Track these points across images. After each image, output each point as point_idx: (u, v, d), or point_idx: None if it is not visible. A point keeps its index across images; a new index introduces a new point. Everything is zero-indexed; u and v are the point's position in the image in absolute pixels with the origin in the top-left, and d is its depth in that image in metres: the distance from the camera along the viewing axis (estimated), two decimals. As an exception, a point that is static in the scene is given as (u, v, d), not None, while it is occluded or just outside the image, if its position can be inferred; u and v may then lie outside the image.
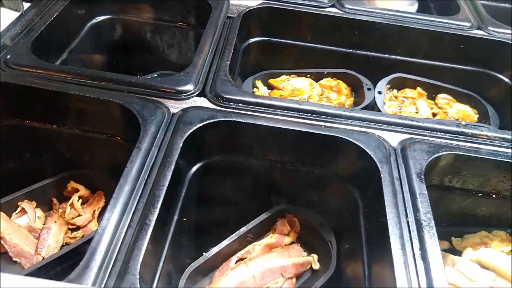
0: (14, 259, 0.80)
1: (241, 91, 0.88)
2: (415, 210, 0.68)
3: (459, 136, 0.83)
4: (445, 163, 0.79)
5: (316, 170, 0.86)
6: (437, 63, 1.19)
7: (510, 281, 0.82)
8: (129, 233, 0.62)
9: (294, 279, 0.86)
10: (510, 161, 0.79)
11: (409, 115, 1.12)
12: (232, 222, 0.86)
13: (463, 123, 1.02)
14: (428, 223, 0.66)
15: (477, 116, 1.15)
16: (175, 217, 0.75)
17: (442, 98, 1.18)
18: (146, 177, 0.69)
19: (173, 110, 0.82)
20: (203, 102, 0.85)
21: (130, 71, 1.21)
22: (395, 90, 1.19)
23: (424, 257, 0.62)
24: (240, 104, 0.84)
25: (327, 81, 1.19)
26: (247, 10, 1.12)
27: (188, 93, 0.85)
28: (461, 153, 0.78)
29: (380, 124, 0.83)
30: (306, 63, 1.21)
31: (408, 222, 0.67)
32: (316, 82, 1.20)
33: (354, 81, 1.17)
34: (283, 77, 1.21)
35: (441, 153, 0.77)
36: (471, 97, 1.18)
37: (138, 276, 0.57)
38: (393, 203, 0.69)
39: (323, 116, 0.84)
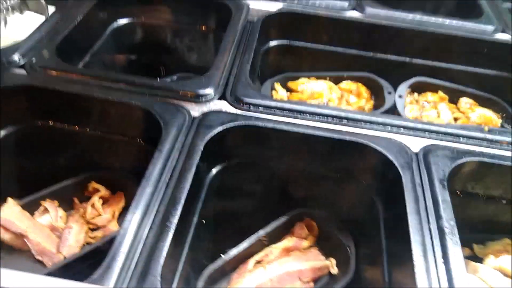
0: (36, 257, 0.82)
1: (262, 95, 0.88)
2: (438, 217, 0.67)
3: (483, 142, 0.82)
4: (469, 169, 0.78)
5: (336, 174, 0.85)
6: (459, 66, 1.17)
7: (534, 291, 0.80)
8: (150, 235, 0.62)
9: (311, 283, 0.85)
10: (535, 168, 0.77)
11: (431, 119, 1.11)
12: (250, 225, 0.86)
13: (486, 128, 1.01)
14: (451, 230, 0.65)
15: (500, 121, 1.13)
16: (195, 219, 0.76)
17: (464, 102, 1.16)
18: (167, 180, 0.69)
19: (194, 114, 0.83)
20: (223, 105, 0.86)
21: (151, 73, 1.24)
22: (416, 94, 1.17)
23: (447, 265, 0.61)
24: (260, 108, 0.84)
25: (346, 84, 1.18)
26: (267, 15, 1.12)
27: (209, 97, 0.86)
28: (485, 159, 0.77)
29: (402, 129, 0.83)
30: (325, 66, 1.21)
31: (430, 229, 0.66)
32: (336, 85, 1.19)
33: (374, 84, 1.16)
34: (302, 79, 1.21)
35: (464, 160, 0.76)
36: (494, 102, 1.16)
37: (159, 278, 0.57)
38: (415, 210, 0.68)
39: (344, 121, 0.83)
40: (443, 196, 0.70)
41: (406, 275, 0.63)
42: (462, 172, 0.78)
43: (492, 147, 0.82)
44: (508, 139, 0.83)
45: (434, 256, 0.63)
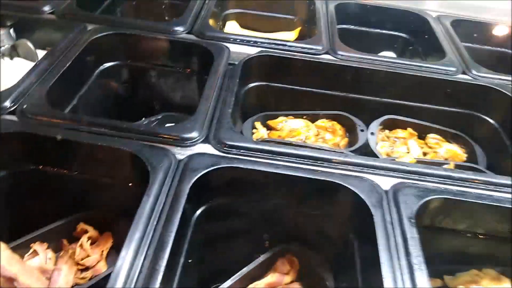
0: (26, 301, 0.84)
1: (243, 138, 0.94)
2: (407, 253, 0.73)
3: (447, 180, 0.89)
4: (435, 206, 0.84)
5: (314, 212, 0.91)
6: (426, 105, 1.26)
7: (499, 318, 0.86)
8: (140, 278, 0.66)
9: (294, 318, 0.90)
10: (495, 204, 0.84)
11: (401, 154, 1.18)
12: (235, 262, 0.90)
13: (451, 165, 1.10)
14: (419, 266, 0.71)
15: (465, 155, 1.21)
16: (182, 260, 0.80)
17: (432, 138, 1.25)
18: (155, 223, 0.74)
19: (179, 157, 0.88)
20: (207, 148, 0.91)
21: (137, 114, 1.30)
22: (387, 131, 1.25)
23: (416, 299, 0.67)
24: (242, 150, 0.90)
25: (322, 122, 1.26)
26: (247, 57, 1.19)
27: (193, 140, 0.91)
28: (449, 197, 0.84)
29: (372, 169, 0.89)
30: (302, 105, 1.28)
31: (400, 265, 0.71)
32: (312, 123, 1.26)
33: (348, 122, 1.24)
34: (280, 118, 1.27)
35: (430, 197, 0.83)
36: (459, 137, 1.24)
37: (149, 321, 0.61)
38: (386, 247, 0.74)
39: (319, 161, 0.90)
40: (411, 233, 0.76)
41: (380, 310, 0.68)
42: (429, 209, 0.84)
43: (456, 185, 0.89)
44: (472, 176, 0.90)
45: (404, 290, 0.68)
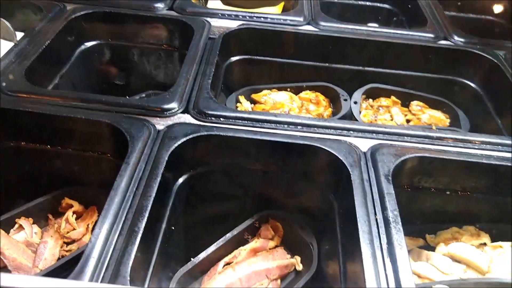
0: (13, 273, 0.85)
1: (222, 107, 0.95)
2: (383, 208, 0.74)
3: (426, 139, 0.90)
4: (412, 164, 0.85)
5: (295, 176, 0.92)
6: (409, 72, 1.26)
7: (479, 273, 0.87)
8: (120, 240, 0.67)
9: (279, 281, 0.91)
10: (472, 160, 0.85)
11: (385, 122, 1.19)
12: (218, 229, 0.92)
13: (434, 127, 1.11)
14: (395, 219, 0.72)
15: (448, 120, 1.22)
16: (163, 226, 0.81)
17: (415, 105, 1.25)
18: (134, 189, 0.74)
19: (159, 127, 0.88)
20: (187, 118, 0.91)
21: (120, 93, 1.29)
22: (370, 100, 1.26)
23: (391, 251, 0.68)
24: (221, 119, 0.91)
25: (306, 94, 1.26)
26: (227, 31, 1.19)
27: (173, 111, 0.92)
28: (425, 155, 0.85)
29: (351, 132, 0.90)
30: (286, 78, 1.28)
31: (376, 220, 0.73)
32: (296, 95, 1.27)
33: (331, 93, 1.24)
34: (264, 91, 1.28)
35: (407, 156, 0.84)
36: (442, 103, 1.25)
37: (128, 278, 0.62)
38: (363, 203, 0.75)
39: (298, 127, 0.90)
40: (388, 189, 0.77)
41: (356, 264, 0.69)
42: (406, 168, 0.85)
43: (434, 144, 0.90)
44: (449, 135, 0.91)
45: (380, 244, 0.69)
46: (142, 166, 0.79)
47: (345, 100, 1.20)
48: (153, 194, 0.74)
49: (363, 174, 0.80)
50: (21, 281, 0.50)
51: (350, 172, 0.79)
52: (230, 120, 0.91)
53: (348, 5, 1.58)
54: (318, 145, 0.85)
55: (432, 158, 0.85)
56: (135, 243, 0.67)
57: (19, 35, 1.16)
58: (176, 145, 0.83)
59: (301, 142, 0.86)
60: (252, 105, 1.26)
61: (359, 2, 1.58)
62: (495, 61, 1.14)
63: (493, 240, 0.93)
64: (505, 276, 0.84)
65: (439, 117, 1.22)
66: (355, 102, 1.19)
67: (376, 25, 1.54)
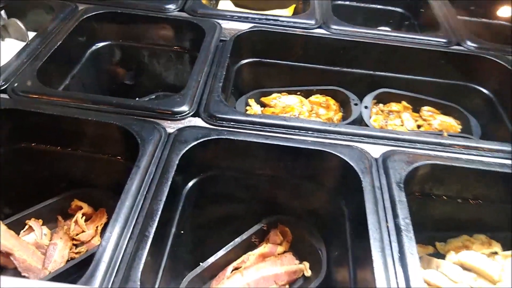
0: (23, 274, 0.85)
1: (233, 111, 0.94)
2: (395, 216, 0.74)
3: (438, 146, 0.89)
4: (424, 172, 0.84)
5: (305, 182, 0.92)
6: (420, 77, 1.25)
7: (490, 282, 0.86)
8: (130, 245, 0.67)
9: (287, 286, 0.91)
10: (485, 168, 0.84)
11: (395, 127, 1.18)
12: (227, 233, 0.91)
13: (445, 134, 1.09)
14: (406, 227, 0.71)
15: (460, 127, 1.21)
16: (173, 230, 0.81)
17: (426, 110, 1.24)
18: (145, 193, 0.74)
19: (170, 130, 0.88)
20: (197, 121, 0.91)
21: (130, 94, 1.30)
22: (381, 104, 1.25)
23: (402, 259, 0.67)
24: (232, 123, 0.90)
25: (316, 98, 1.26)
26: (238, 33, 1.19)
27: (184, 114, 0.92)
28: (438, 162, 0.84)
29: (362, 138, 0.89)
30: (296, 81, 1.28)
31: (388, 227, 0.72)
32: (306, 99, 1.26)
33: (342, 97, 1.23)
34: (274, 95, 1.27)
35: (419, 163, 0.83)
36: (454, 109, 1.24)
37: (139, 283, 0.62)
38: (374, 210, 0.74)
39: (309, 132, 0.90)
40: (400, 197, 0.76)
41: (367, 271, 0.69)
42: (418, 175, 0.84)
43: (446, 151, 0.89)
44: (461, 143, 0.90)
45: (392, 252, 0.69)
46: (153, 170, 0.79)
47: (356, 104, 1.19)
48: (164, 198, 0.74)
49: (374, 181, 0.79)
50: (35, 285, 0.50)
51: (362, 179, 0.79)
52: (241, 124, 0.91)
53: (360, 8, 1.57)
54: (329, 150, 0.84)
55: (444, 166, 0.84)
56: (145, 247, 0.67)
57: (31, 34, 1.16)
58: (186, 148, 0.83)
59: (312, 147, 0.86)
60: (262, 108, 1.26)
61: (371, 5, 1.57)
62: (508, 67, 1.13)
63: (504, 249, 0.92)
64: (517, 286, 0.83)
65: (450, 123, 1.21)
66: (366, 107, 1.18)
67: (387, 28, 1.54)
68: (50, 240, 0.92)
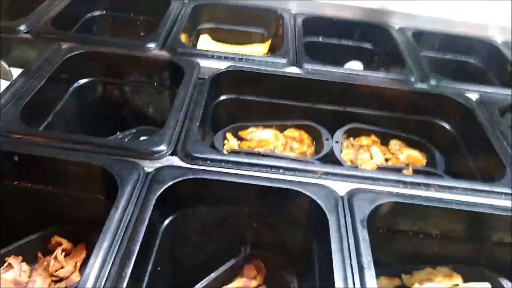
0: (1, 312, 0.87)
1: (209, 150, 0.99)
2: (358, 254, 0.79)
3: (400, 184, 0.95)
4: (387, 209, 0.90)
5: (278, 218, 0.96)
6: (388, 113, 1.32)
7: (451, 313, 0.92)
8: (108, 283, 0.71)
9: (260, 319, 0.95)
10: (443, 206, 0.91)
11: (364, 161, 1.25)
12: (203, 269, 0.95)
13: (410, 169, 1.16)
14: (368, 265, 0.77)
15: (425, 160, 1.28)
16: (149, 267, 0.84)
17: (394, 144, 1.32)
18: (122, 234, 0.78)
19: (148, 170, 0.92)
20: (175, 160, 0.96)
21: (111, 128, 1.34)
22: (351, 138, 1.32)
23: (364, 296, 0.73)
24: (208, 162, 0.95)
25: (290, 132, 1.32)
26: (216, 72, 1.25)
27: (161, 153, 0.96)
28: (399, 200, 0.90)
29: (331, 176, 0.95)
30: (271, 116, 1.34)
31: (351, 265, 0.77)
32: (281, 133, 1.32)
33: (314, 131, 1.30)
34: (251, 129, 1.33)
35: (381, 201, 0.89)
36: (420, 143, 1.31)
37: (115, 324, 0.65)
38: (339, 248, 0.79)
39: (280, 170, 0.95)
40: (363, 235, 0.81)
41: (332, 307, 0.73)
42: (381, 212, 0.90)
43: (408, 188, 0.95)
44: (422, 181, 0.96)
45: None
46: (131, 210, 0.83)
47: (327, 139, 1.26)
48: (140, 239, 0.77)
49: (340, 219, 0.85)
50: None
51: (328, 218, 0.84)
52: (216, 163, 0.95)
53: (331, 44, 1.66)
54: (299, 189, 0.90)
55: (405, 204, 0.90)
56: (122, 285, 0.70)
57: (16, 72, 1.20)
58: (163, 188, 0.87)
59: (283, 186, 0.91)
60: (239, 141, 1.31)
61: (342, 42, 1.66)
62: (467, 106, 1.21)
63: (465, 281, 0.98)
64: (474, 316, 0.89)
65: (416, 157, 1.28)
66: (337, 142, 1.24)
67: (358, 62, 1.62)
68: (29, 277, 0.94)
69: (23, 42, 1.31)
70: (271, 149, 1.27)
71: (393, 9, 1.62)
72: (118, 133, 1.36)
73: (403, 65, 1.39)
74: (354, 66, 1.58)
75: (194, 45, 1.60)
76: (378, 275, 0.77)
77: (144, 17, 1.69)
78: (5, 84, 1.12)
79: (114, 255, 0.75)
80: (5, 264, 0.93)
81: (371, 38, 1.64)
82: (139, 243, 0.76)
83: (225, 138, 1.31)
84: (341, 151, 1.24)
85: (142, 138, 1.36)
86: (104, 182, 0.93)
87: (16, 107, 1.03)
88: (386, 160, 1.28)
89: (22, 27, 1.33)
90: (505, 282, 0.95)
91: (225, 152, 1.21)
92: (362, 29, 1.64)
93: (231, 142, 1.29)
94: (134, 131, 1.38)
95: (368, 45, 1.65)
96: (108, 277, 0.72)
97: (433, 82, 1.32)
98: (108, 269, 0.73)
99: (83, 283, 0.70)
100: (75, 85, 1.28)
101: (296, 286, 0.95)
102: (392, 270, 1.01)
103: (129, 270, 0.73)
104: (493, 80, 1.56)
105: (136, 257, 0.75)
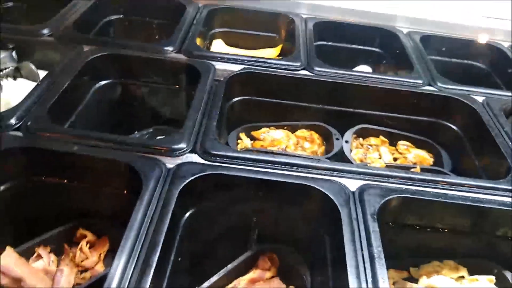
0: (32, 299, 0.93)
1: (226, 148, 1.05)
2: (369, 245, 0.84)
3: (408, 181, 1.00)
4: (396, 204, 0.95)
5: (291, 213, 1.01)
6: (396, 115, 1.37)
7: (457, 304, 0.96)
8: (135, 274, 0.76)
9: (275, 309, 0.99)
10: (449, 201, 0.95)
11: (373, 160, 1.30)
12: (221, 260, 1.00)
13: (418, 168, 1.21)
14: (379, 255, 0.81)
15: (432, 160, 1.33)
16: (172, 257, 0.90)
17: (402, 144, 1.36)
18: (147, 225, 0.83)
19: (169, 166, 0.98)
20: (194, 157, 1.01)
21: (129, 128, 1.40)
22: (361, 139, 1.36)
23: (375, 283, 0.77)
24: (225, 159, 1.00)
25: (301, 132, 1.37)
26: (231, 74, 1.30)
27: (182, 151, 1.01)
28: (407, 195, 0.95)
29: (342, 173, 1.00)
30: (283, 117, 1.39)
31: (363, 255, 0.82)
32: (292, 133, 1.37)
33: (325, 132, 1.35)
34: (263, 129, 1.38)
35: (391, 196, 0.93)
36: (427, 144, 1.36)
37: (143, 308, 0.70)
38: (351, 240, 0.84)
39: (294, 167, 1.00)
40: (373, 227, 0.86)
41: (345, 295, 0.78)
42: (390, 207, 0.95)
43: (416, 185, 1.00)
44: (429, 177, 1.01)
45: (366, 277, 0.78)
46: (155, 203, 0.88)
47: (337, 139, 1.31)
48: (165, 230, 0.83)
49: (351, 212, 0.89)
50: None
51: (340, 211, 0.89)
52: (233, 159, 1.01)
53: (341, 48, 1.71)
54: (312, 184, 0.95)
55: (412, 199, 0.95)
56: (149, 275, 0.75)
57: (40, 74, 1.26)
58: (184, 183, 0.93)
59: (296, 181, 0.96)
60: (252, 141, 1.37)
61: (352, 46, 1.71)
62: (474, 107, 1.26)
63: (470, 274, 1.02)
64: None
65: (423, 156, 1.33)
66: (346, 141, 1.29)
67: (367, 67, 1.67)
68: (57, 267, 0.99)
69: (47, 45, 1.38)
70: (283, 148, 1.32)
71: (401, 13, 1.67)
72: (136, 133, 1.42)
73: (411, 69, 1.44)
74: (363, 70, 1.63)
75: (208, 48, 1.66)
76: (387, 268, 0.82)
77: (159, 21, 1.75)
78: (32, 85, 1.18)
79: (140, 245, 0.80)
80: (35, 254, 0.99)
81: (380, 42, 1.69)
82: (163, 234, 0.82)
83: (238, 138, 1.37)
84: (350, 151, 1.28)
85: (158, 137, 1.41)
86: (128, 177, 0.98)
87: (43, 107, 1.09)
88: (395, 159, 1.32)
89: (45, 31, 1.39)
90: (509, 275, 0.99)
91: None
92: (370, 33, 1.69)
93: (245, 142, 1.34)
94: (151, 130, 1.44)
95: (376, 49, 1.70)
96: (136, 265, 0.77)
97: (440, 84, 1.36)
98: (135, 260, 0.78)
99: (113, 271, 0.75)
100: (96, 86, 1.34)
101: (309, 276, 0.99)
102: (400, 263, 1.06)
103: (155, 259, 0.78)
104: (499, 83, 1.60)
105: (161, 248, 0.80)
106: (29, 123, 1.03)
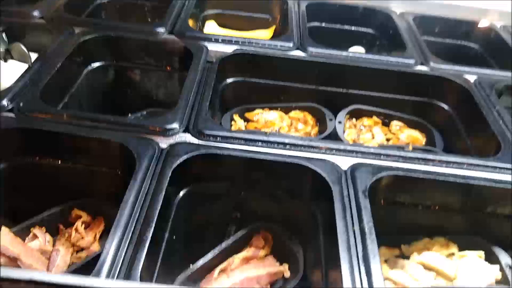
0: (28, 277, 0.94)
1: (219, 127, 1.05)
2: (360, 220, 0.85)
3: (400, 159, 1.01)
4: (387, 182, 0.96)
5: (284, 191, 1.02)
6: (389, 95, 1.38)
7: (447, 279, 0.99)
8: (130, 248, 0.77)
9: (268, 286, 1.01)
10: (440, 178, 0.97)
11: (366, 140, 1.31)
12: (215, 238, 1.02)
13: (410, 147, 1.22)
14: (370, 230, 0.83)
15: (424, 139, 1.34)
16: (166, 235, 0.91)
17: (395, 125, 1.37)
18: (142, 202, 0.84)
19: (163, 146, 0.98)
20: (187, 137, 1.02)
21: (122, 110, 1.40)
22: (354, 119, 1.37)
23: (365, 258, 0.78)
24: (218, 138, 1.01)
25: (295, 114, 1.37)
26: (223, 56, 1.30)
27: (175, 130, 1.02)
28: (399, 173, 0.96)
29: (334, 151, 1.01)
30: (276, 98, 1.39)
31: (354, 231, 0.83)
32: (286, 114, 1.38)
33: (318, 113, 1.35)
34: (257, 111, 1.39)
35: (382, 174, 0.95)
36: (419, 124, 1.37)
37: (139, 281, 0.72)
38: (342, 216, 0.85)
39: (287, 146, 1.01)
40: (365, 204, 0.87)
41: (336, 269, 0.80)
42: (382, 184, 0.96)
43: (408, 163, 1.01)
44: (420, 155, 1.02)
45: (356, 251, 0.80)
46: (148, 182, 0.89)
47: (330, 120, 1.31)
48: (158, 207, 0.83)
49: (343, 190, 0.90)
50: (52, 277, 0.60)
51: (332, 189, 0.90)
52: (226, 139, 1.01)
53: (334, 29, 1.70)
54: (304, 163, 0.96)
55: (403, 177, 0.96)
56: (143, 250, 0.76)
57: (33, 56, 1.25)
58: (177, 162, 0.93)
59: (289, 160, 0.97)
60: (246, 123, 1.37)
61: (345, 27, 1.70)
62: (465, 87, 1.27)
63: (460, 250, 1.04)
64: (468, 281, 0.95)
65: (416, 136, 1.34)
66: (340, 122, 1.30)
67: (360, 47, 1.67)
68: (53, 247, 1.00)
69: (38, 26, 1.36)
70: (277, 130, 1.33)
71: (395, -6, 1.67)
72: (129, 115, 1.42)
73: (404, 49, 1.44)
74: (356, 51, 1.63)
75: (201, 30, 1.65)
76: (378, 245, 0.83)
77: (151, 3, 1.73)
78: (24, 66, 1.17)
79: (135, 222, 0.81)
80: (31, 234, 1.00)
81: (373, 23, 1.69)
82: (157, 211, 0.83)
83: (232, 119, 1.37)
84: (343, 132, 1.29)
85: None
86: (121, 157, 0.99)
87: (35, 89, 1.08)
88: (387, 140, 1.33)
89: (36, 13, 1.38)
90: (497, 250, 1.01)
91: (233, 132, 1.27)
92: (364, 14, 1.68)
93: (238, 123, 1.35)
94: (144, 112, 1.44)
95: (370, 30, 1.70)
96: (131, 241, 0.78)
97: (432, 64, 1.36)
98: (130, 234, 0.79)
99: (108, 245, 0.76)
100: (89, 68, 1.33)
101: (302, 254, 1.01)
102: (392, 241, 1.07)
103: (149, 235, 0.79)
104: (492, 64, 1.61)
105: (155, 224, 0.81)
106: (21, 105, 1.03)
